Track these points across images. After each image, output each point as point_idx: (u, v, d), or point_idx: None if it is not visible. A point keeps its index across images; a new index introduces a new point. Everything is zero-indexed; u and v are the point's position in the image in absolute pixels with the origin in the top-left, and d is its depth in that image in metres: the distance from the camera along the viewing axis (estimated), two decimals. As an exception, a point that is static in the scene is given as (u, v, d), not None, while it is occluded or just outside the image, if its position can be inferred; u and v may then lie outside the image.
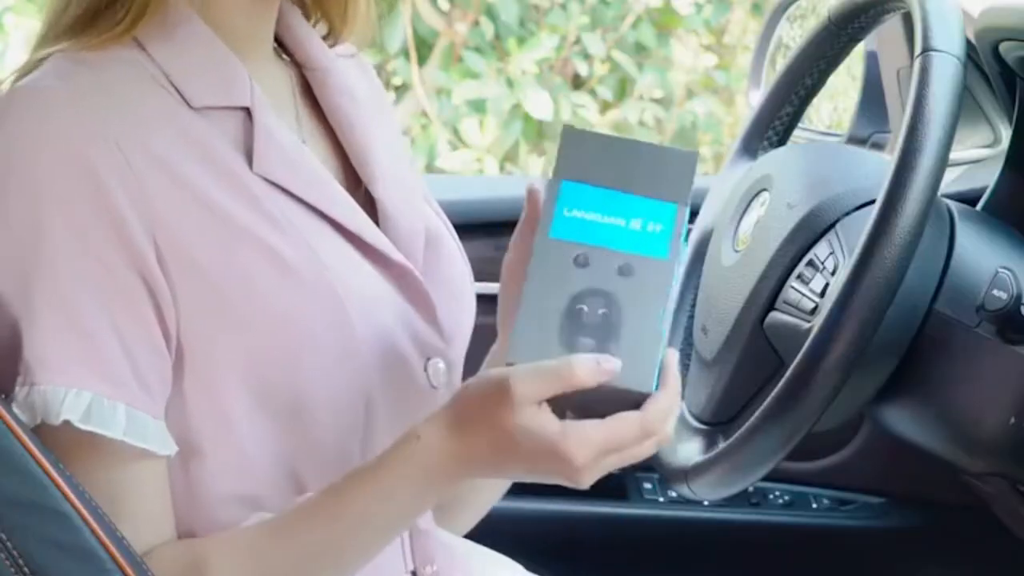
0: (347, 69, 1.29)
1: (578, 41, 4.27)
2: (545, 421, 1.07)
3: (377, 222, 1.22)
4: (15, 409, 1.08)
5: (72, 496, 1.02)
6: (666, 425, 1.09)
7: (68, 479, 1.03)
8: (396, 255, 1.20)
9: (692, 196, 1.12)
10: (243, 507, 1.14)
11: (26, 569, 0.99)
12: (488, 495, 1.36)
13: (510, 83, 4.13)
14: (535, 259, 1.09)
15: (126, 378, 1.09)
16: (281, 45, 1.27)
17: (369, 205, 1.23)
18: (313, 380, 1.13)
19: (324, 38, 1.28)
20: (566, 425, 1.07)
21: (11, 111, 1.10)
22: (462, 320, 1.27)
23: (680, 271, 1.13)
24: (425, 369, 1.20)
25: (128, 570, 1.02)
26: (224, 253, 1.11)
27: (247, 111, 1.16)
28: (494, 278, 1.26)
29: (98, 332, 1.09)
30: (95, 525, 1.02)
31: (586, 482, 1.08)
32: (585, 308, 1.08)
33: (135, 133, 1.10)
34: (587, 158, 1.12)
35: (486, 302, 1.32)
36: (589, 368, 1.06)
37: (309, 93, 1.26)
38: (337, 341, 1.13)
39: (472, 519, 1.37)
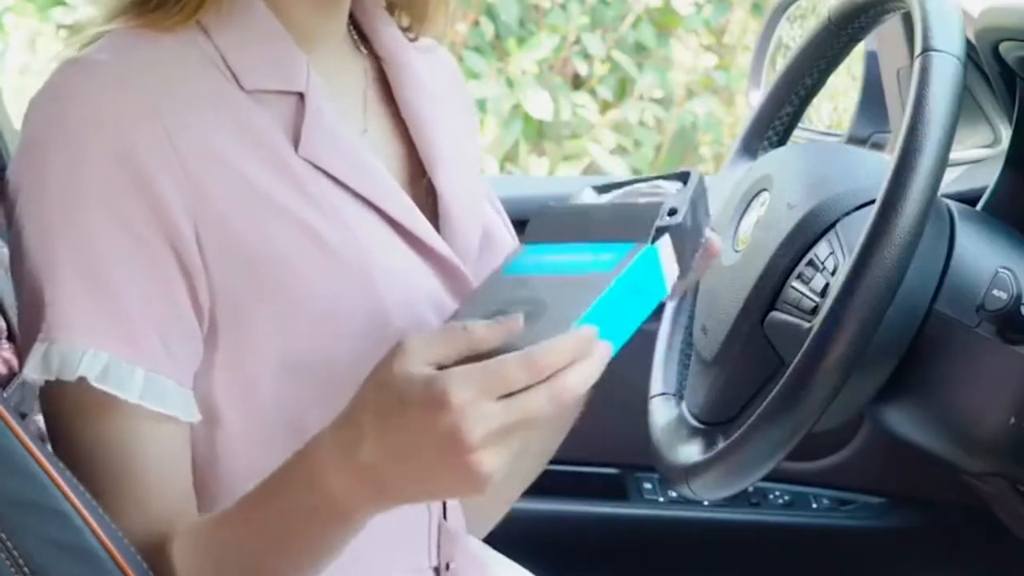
0: (427, 63, 1.30)
1: (578, 41, 4.27)
2: (427, 369, 1.00)
3: (437, 214, 1.23)
4: (28, 369, 1.10)
5: (72, 496, 1.02)
6: (565, 373, 0.99)
7: (68, 479, 1.03)
8: (440, 246, 1.20)
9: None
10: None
11: (26, 569, 0.99)
12: (505, 492, 1.36)
13: (510, 83, 4.13)
14: (478, 287, 1.10)
15: (147, 343, 1.11)
16: (362, 36, 1.28)
17: (431, 197, 1.24)
18: (343, 360, 1.14)
19: (405, 30, 1.30)
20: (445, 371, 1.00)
21: (64, 82, 1.13)
22: None
23: (669, 286, 1.09)
24: None
25: (128, 570, 1.02)
26: (262, 230, 1.13)
27: (301, 97, 1.17)
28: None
29: (122, 296, 1.10)
30: (95, 525, 1.02)
31: (482, 464, 0.98)
32: (508, 310, 1.05)
33: (182, 111, 1.12)
34: (550, 224, 1.12)
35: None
36: (485, 328, 1.00)
37: (384, 85, 1.28)
38: (370, 323, 1.14)
39: (484, 524, 1.37)
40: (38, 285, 1.11)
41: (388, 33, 1.28)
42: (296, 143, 1.16)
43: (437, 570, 1.23)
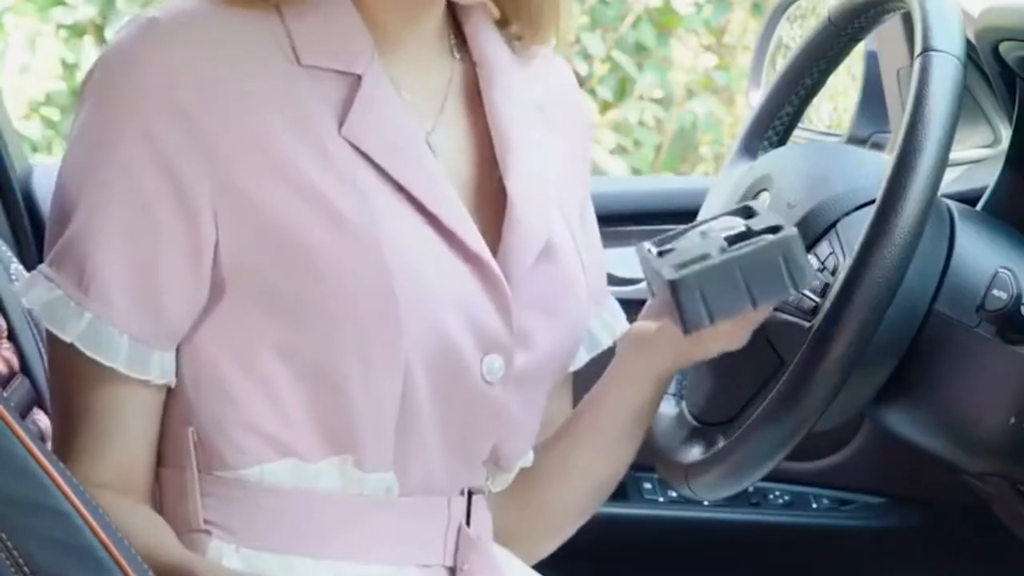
0: (531, 74, 1.30)
1: (578, 41, 4.27)
2: None
3: (502, 221, 1.22)
4: (36, 286, 1.16)
5: (72, 496, 1.02)
6: None
7: (68, 479, 1.03)
8: (476, 244, 1.20)
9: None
10: (269, 447, 1.17)
11: (26, 569, 0.99)
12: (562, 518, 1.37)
13: (510, 83, 4.12)
14: None
15: (128, 306, 1.15)
16: (462, 41, 1.28)
17: (498, 201, 1.23)
18: (347, 339, 1.15)
19: (518, 40, 1.30)
20: None
21: (132, 33, 1.17)
22: (552, 334, 1.25)
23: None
24: (480, 362, 1.20)
25: (128, 570, 1.02)
26: (283, 205, 1.14)
27: (358, 78, 1.18)
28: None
29: (114, 254, 1.14)
30: (95, 525, 1.02)
31: None
32: None
33: (222, 76, 1.15)
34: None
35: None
36: None
37: (474, 92, 1.27)
38: (377, 308, 1.14)
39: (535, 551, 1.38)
40: (58, 216, 1.17)
41: (489, 39, 1.28)
42: (341, 123, 1.17)
43: (452, 570, 1.23)
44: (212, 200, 1.14)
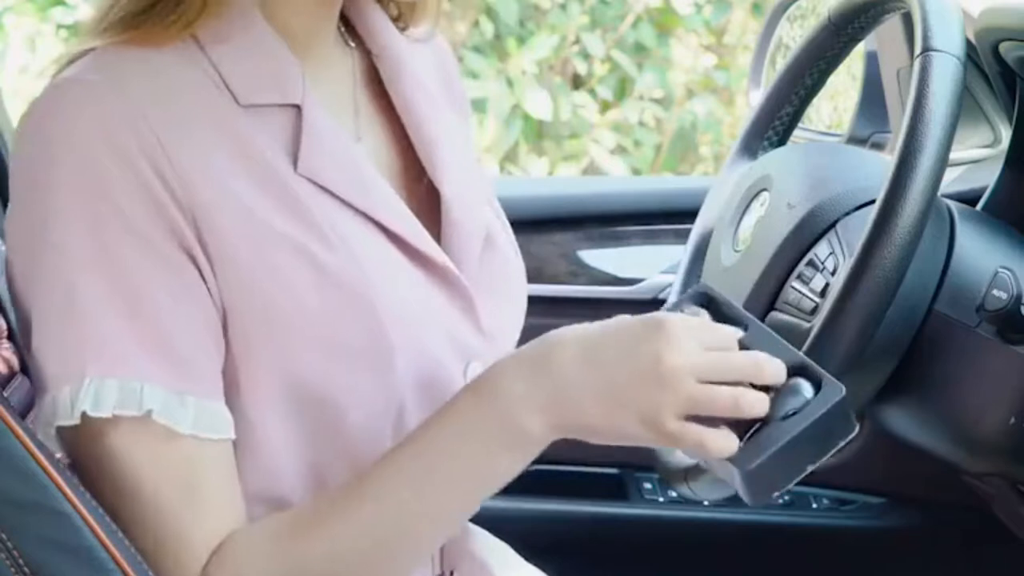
0: (420, 55, 1.27)
1: (578, 41, 4.27)
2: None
3: (439, 218, 1.21)
4: (62, 411, 1.06)
5: (72, 496, 1.02)
6: (770, 372, 1.07)
7: (68, 479, 1.02)
8: (440, 257, 1.18)
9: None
10: (267, 508, 1.13)
11: (26, 569, 0.99)
12: None
13: (510, 83, 4.13)
14: None
15: (192, 368, 1.08)
16: (350, 29, 1.25)
17: (430, 199, 1.22)
18: (343, 384, 1.12)
19: (395, 21, 1.26)
20: None
21: (51, 104, 1.09)
22: (509, 323, 1.25)
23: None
24: (464, 373, 1.18)
25: (128, 570, 1.02)
26: (261, 254, 1.10)
27: (298, 108, 1.14)
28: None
29: (162, 322, 1.07)
30: (95, 525, 1.02)
31: (672, 393, 1.05)
32: None
33: (175, 127, 1.08)
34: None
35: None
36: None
37: (375, 80, 1.24)
38: (370, 347, 1.12)
39: None
40: (60, 317, 1.07)
41: (380, 25, 1.25)
42: (295, 160, 1.13)
43: None
44: (205, 255, 1.09)
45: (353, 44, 1.24)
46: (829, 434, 1.07)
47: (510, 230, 1.31)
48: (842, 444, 1.08)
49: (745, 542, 2.00)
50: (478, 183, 1.27)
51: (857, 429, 1.08)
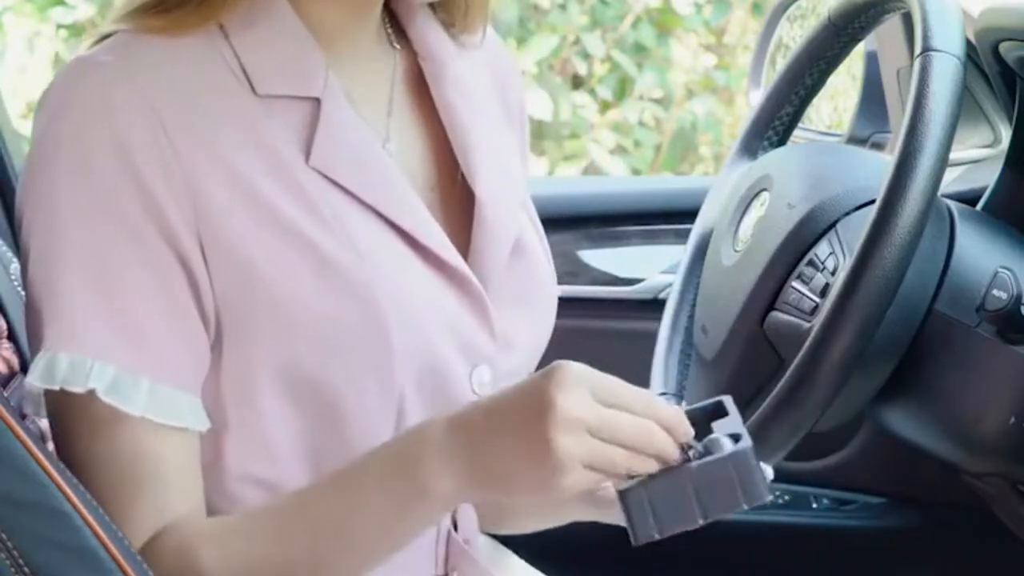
0: (472, 61, 1.27)
1: (578, 41, 4.27)
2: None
3: (471, 222, 1.21)
4: (30, 377, 1.10)
5: (72, 496, 1.02)
6: (675, 425, 1.05)
7: (68, 479, 1.03)
8: (453, 259, 1.17)
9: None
10: (261, 489, 1.14)
11: (26, 569, 0.99)
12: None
13: (510, 83, 4.13)
14: None
15: (154, 352, 1.10)
16: (400, 31, 1.25)
17: (466, 202, 1.21)
18: (341, 374, 1.12)
19: (447, 27, 1.26)
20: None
21: (66, 82, 1.12)
22: (530, 329, 1.24)
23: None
24: (470, 376, 1.18)
25: (128, 570, 1.02)
26: (265, 244, 1.11)
27: (317, 102, 1.15)
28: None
29: (129, 305, 1.09)
30: (95, 525, 1.02)
31: (559, 445, 1.02)
32: None
33: (182, 113, 1.10)
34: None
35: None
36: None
37: (419, 83, 1.24)
38: (371, 342, 1.12)
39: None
40: (43, 292, 1.10)
41: (428, 28, 1.25)
42: (307, 153, 1.13)
43: None
44: (199, 241, 1.10)
45: (399, 46, 1.24)
46: (730, 487, 1.05)
47: (544, 237, 1.30)
48: (745, 506, 1.06)
49: (745, 542, 2.00)
50: (515, 189, 1.26)
51: (770, 498, 1.06)
